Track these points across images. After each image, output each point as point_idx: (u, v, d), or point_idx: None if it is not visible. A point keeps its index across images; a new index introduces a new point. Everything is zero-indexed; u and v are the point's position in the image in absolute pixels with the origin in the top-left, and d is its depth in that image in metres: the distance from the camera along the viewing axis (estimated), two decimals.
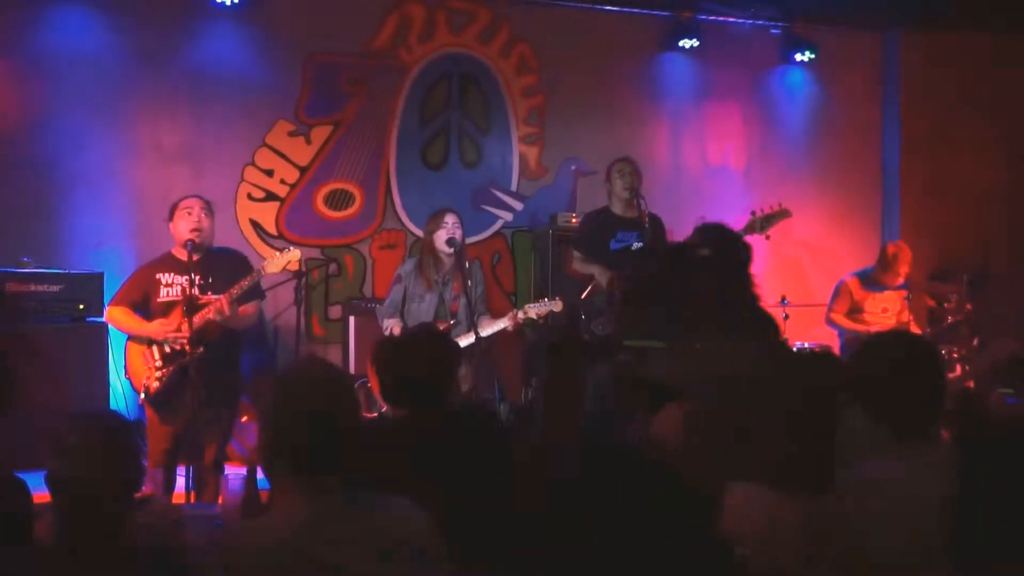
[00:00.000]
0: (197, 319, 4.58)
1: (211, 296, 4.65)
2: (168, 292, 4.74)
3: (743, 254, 2.87)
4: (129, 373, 4.82)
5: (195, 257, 4.68)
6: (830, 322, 6.79)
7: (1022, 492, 1.34)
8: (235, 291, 4.64)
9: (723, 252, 2.73)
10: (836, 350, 6.71)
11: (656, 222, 5.65)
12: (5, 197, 6.24)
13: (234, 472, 3.20)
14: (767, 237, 5.65)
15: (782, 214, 5.63)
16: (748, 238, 5.61)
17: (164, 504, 3.49)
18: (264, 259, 5.00)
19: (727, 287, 2.07)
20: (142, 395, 4.71)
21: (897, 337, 3.12)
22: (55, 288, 5.74)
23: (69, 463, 2.16)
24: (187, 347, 4.57)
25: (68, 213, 6.39)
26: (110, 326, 5.16)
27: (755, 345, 2.05)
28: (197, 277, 4.65)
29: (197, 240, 4.69)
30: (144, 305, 4.77)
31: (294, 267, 4.98)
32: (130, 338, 4.82)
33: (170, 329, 4.65)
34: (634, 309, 2.12)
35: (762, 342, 2.09)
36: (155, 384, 4.67)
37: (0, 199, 6.22)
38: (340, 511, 2.07)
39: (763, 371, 2.04)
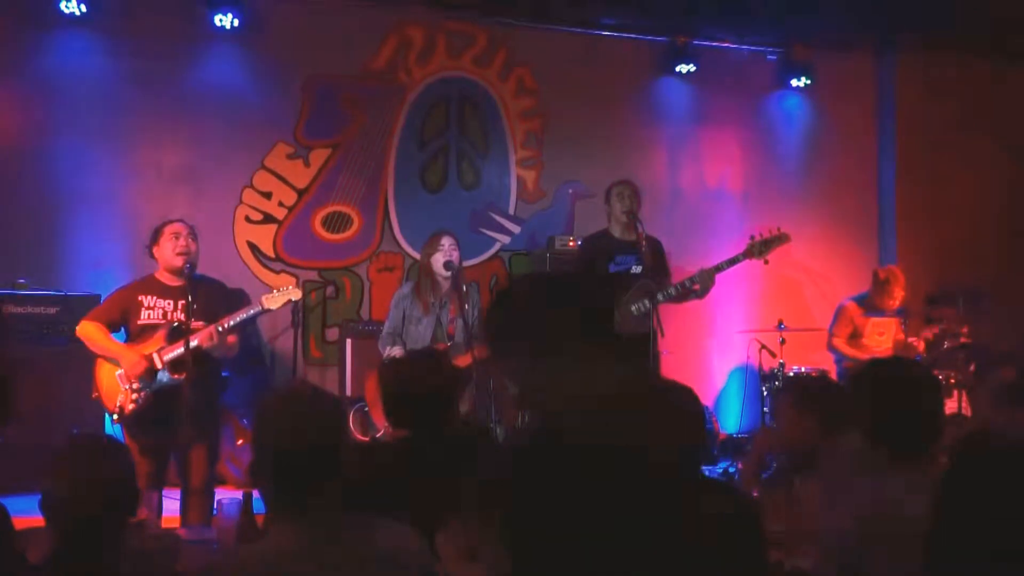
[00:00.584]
0: (183, 344, 4.56)
1: (199, 323, 4.62)
2: (149, 315, 4.68)
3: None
4: (100, 391, 4.69)
5: (182, 282, 4.68)
6: (832, 348, 6.76)
7: (998, 510, 1.34)
8: (228, 321, 4.63)
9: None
10: (833, 375, 6.71)
11: (655, 245, 5.66)
12: (3, 218, 6.24)
13: (229, 496, 3.18)
14: (766, 262, 5.66)
15: (781, 239, 5.63)
16: (747, 262, 5.65)
17: (159, 528, 3.47)
18: (263, 295, 4.96)
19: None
20: (116, 416, 4.62)
21: (894, 363, 3.14)
22: (52, 310, 5.74)
23: (63, 487, 2.15)
24: (172, 373, 4.56)
25: (66, 235, 6.40)
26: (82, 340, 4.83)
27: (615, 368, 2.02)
28: (182, 303, 4.63)
29: (185, 264, 4.68)
30: (122, 325, 4.71)
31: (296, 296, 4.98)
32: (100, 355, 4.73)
33: (139, 370, 4.57)
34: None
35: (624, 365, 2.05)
36: (130, 406, 4.60)
37: None
38: (336, 534, 2.06)
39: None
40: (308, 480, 2.06)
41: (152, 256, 4.79)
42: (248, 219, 6.87)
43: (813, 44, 7.91)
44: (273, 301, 4.85)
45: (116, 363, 4.62)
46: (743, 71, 7.95)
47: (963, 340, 6.44)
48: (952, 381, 6.22)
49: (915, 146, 8.19)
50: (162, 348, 4.62)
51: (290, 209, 6.95)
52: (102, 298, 5.72)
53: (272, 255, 6.90)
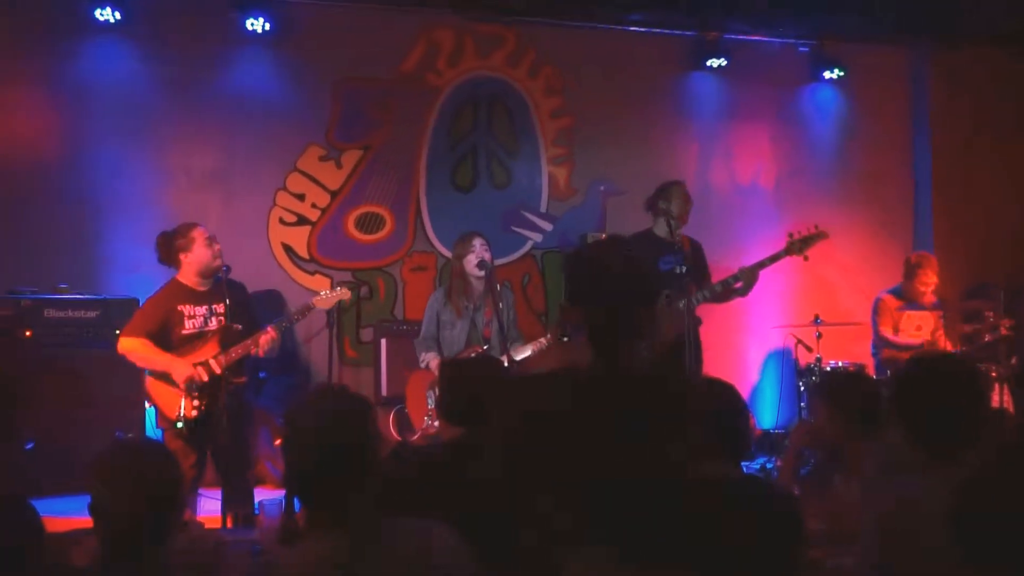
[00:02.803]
0: (240, 349, 4.63)
1: (238, 326, 4.69)
2: (192, 324, 4.73)
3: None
4: (157, 402, 4.76)
5: (208, 286, 4.74)
6: (880, 338, 6.72)
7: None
8: (286, 323, 4.75)
9: None
10: (870, 369, 6.65)
11: (695, 246, 5.72)
12: (43, 225, 6.34)
13: (271, 497, 3.21)
14: (805, 258, 5.76)
15: (819, 236, 5.75)
16: (787, 259, 5.73)
17: (202, 530, 3.51)
18: (313, 297, 5.05)
19: None
20: (179, 424, 4.65)
21: (938, 360, 3.08)
22: (92, 314, 5.82)
23: (111, 491, 2.17)
24: (230, 378, 4.62)
25: (104, 240, 6.48)
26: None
27: None
28: (217, 306, 4.70)
29: (221, 268, 4.74)
30: (162, 337, 4.73)
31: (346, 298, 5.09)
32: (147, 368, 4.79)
33: (190, 373, 4.62)
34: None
35: None
36: (194, 412, 4.66)
37: (38, 227, 6.32)
38: (373, 537, 2.07)
39: None
40: (341, 484, 2.07)
41: (176, 262, 4.80)
42: (282, 221, 6.92)
43: (845, 36, 7.82)
44: (324, 302, 4.95)
45: (167, 375, 4.67)
46: (775, 64, 7.88)
47: (1004, 333, 6.36)
48: (993, 375, 6.14)
49: (951, 138, 8.07)
50: (218, 355, 4.68)
51: (323, 210, 7.00)
52: (139, 302, 5.81)
53: (306, 256, 6.94)
